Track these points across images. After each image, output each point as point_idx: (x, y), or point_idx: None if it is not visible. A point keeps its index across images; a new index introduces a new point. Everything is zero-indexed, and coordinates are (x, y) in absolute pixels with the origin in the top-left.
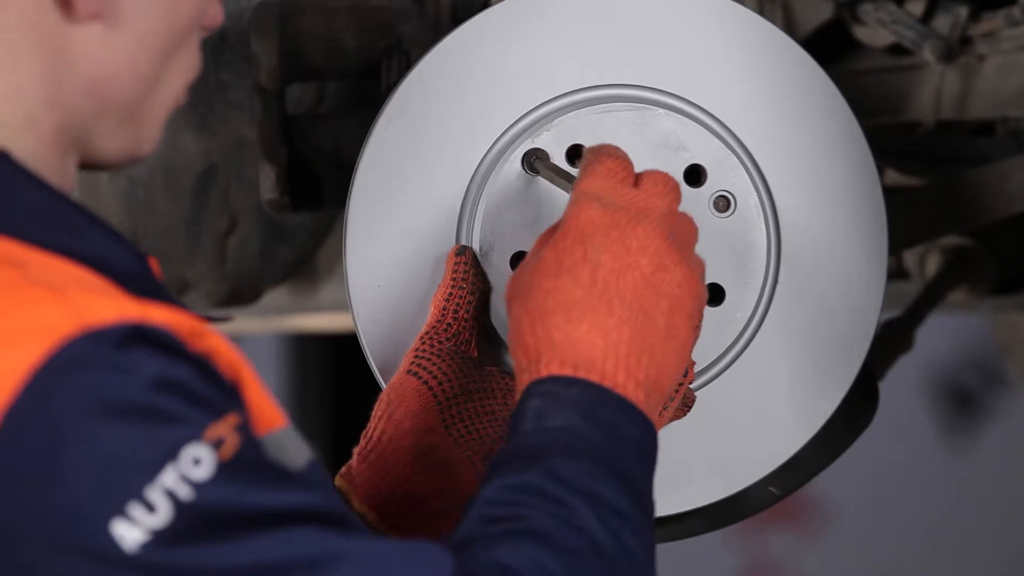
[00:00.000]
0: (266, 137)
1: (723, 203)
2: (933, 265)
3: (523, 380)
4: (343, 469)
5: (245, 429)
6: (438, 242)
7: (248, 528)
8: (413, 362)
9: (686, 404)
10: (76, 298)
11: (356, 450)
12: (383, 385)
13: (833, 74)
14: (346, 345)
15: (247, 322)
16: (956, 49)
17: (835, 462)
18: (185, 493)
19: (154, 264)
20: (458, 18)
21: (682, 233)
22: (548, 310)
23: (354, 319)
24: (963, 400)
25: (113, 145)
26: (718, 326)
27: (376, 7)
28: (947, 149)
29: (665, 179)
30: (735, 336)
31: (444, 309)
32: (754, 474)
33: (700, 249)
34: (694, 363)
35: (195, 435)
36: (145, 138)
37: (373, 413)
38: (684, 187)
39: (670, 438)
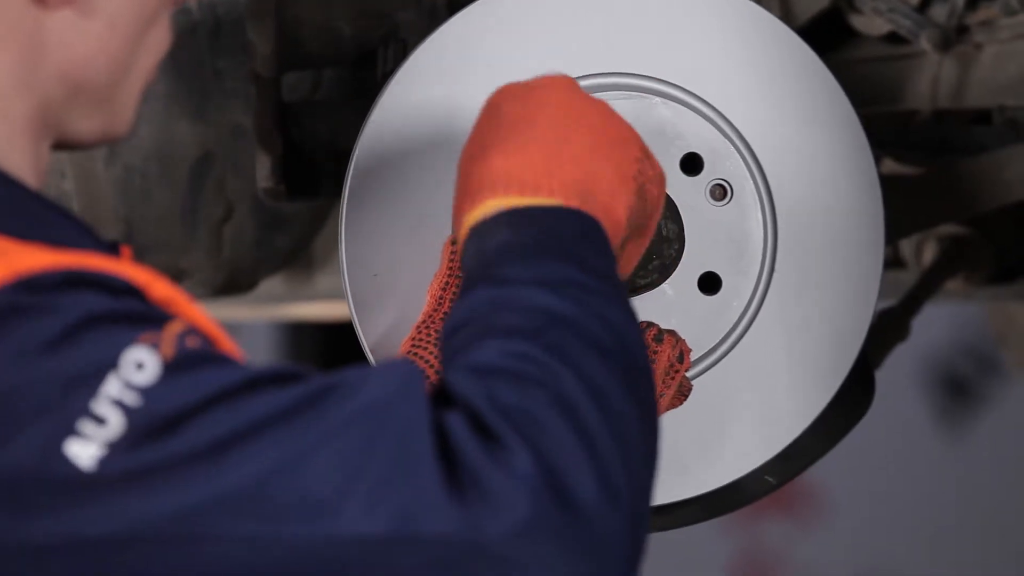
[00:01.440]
0: (262, 125)
1: (720, 191)
2: (930, 254)
3: (459, 234)
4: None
5: (189, 333)
6: (434, 231)
7: (207, 408)
8: (410, 351)
9: (682, 393)
10: (12, 253)
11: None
12: None
13: (830, 63)
14: (342, 334)
15: (243, 310)
16: (953, 38)
17: (831, 451)
18: (133, 399)
19: (126, 252)
20: (454, 6)
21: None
22: (465, 172)
23: (350, 308)
24: (959, 389)
25: (88, 127)
26: (714, 315)
27: None
28: (944, 138)
29: None
30: (731, 325)
31: (440, 298)
32: (750, 463)
33: (697, 238)
34: (690, 350)
35: (133, 339)
36: (120, 118)
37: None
38: (681, 176)
39: (666, 427)
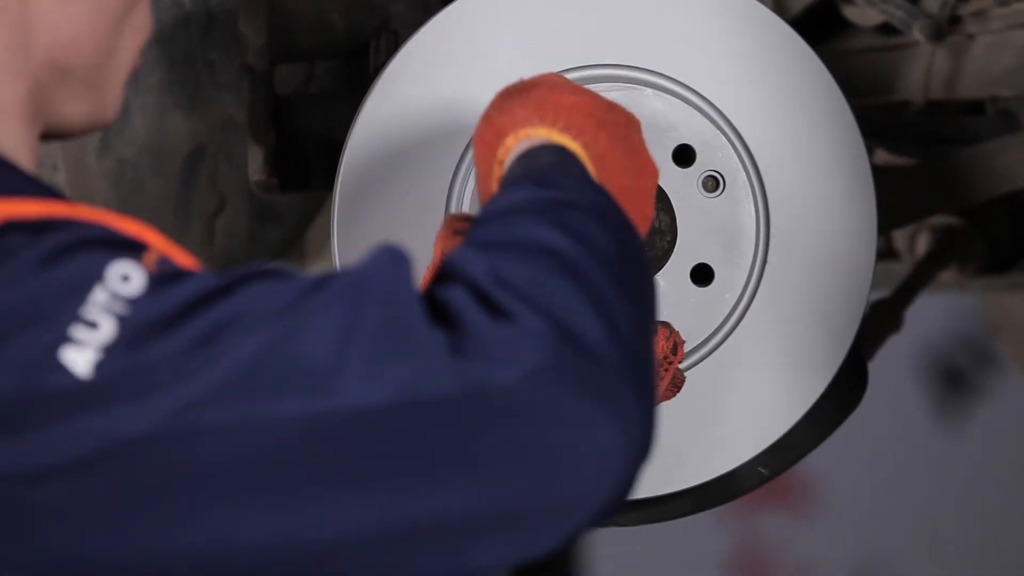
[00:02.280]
0: (254, 118)
1: (712, 183)
2: (923, 245)
3: (496, 167)
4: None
5: (167, 258)
6: (426, 223)
7: (195, 307)
8: None
9: (675, 384)
10: (5, 204)
11: None
12: None
13: (822, 54)
14: None
15: None
16: (945, 28)
17: (824, 442)
18: (121, 308)
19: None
20: None
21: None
22: (480, 127)
23: None
24: (953, 380)
25: (77, 112)
26: (707, 306)
27: None
28: (937, 129)
29: None
30: (724, 316)
31: None
32: (743, 454)
33: (690, 229)
34: (683, 341)
35: (116, 256)
36: (108, 103)
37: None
38: (673, 167)
39: (661, 419)
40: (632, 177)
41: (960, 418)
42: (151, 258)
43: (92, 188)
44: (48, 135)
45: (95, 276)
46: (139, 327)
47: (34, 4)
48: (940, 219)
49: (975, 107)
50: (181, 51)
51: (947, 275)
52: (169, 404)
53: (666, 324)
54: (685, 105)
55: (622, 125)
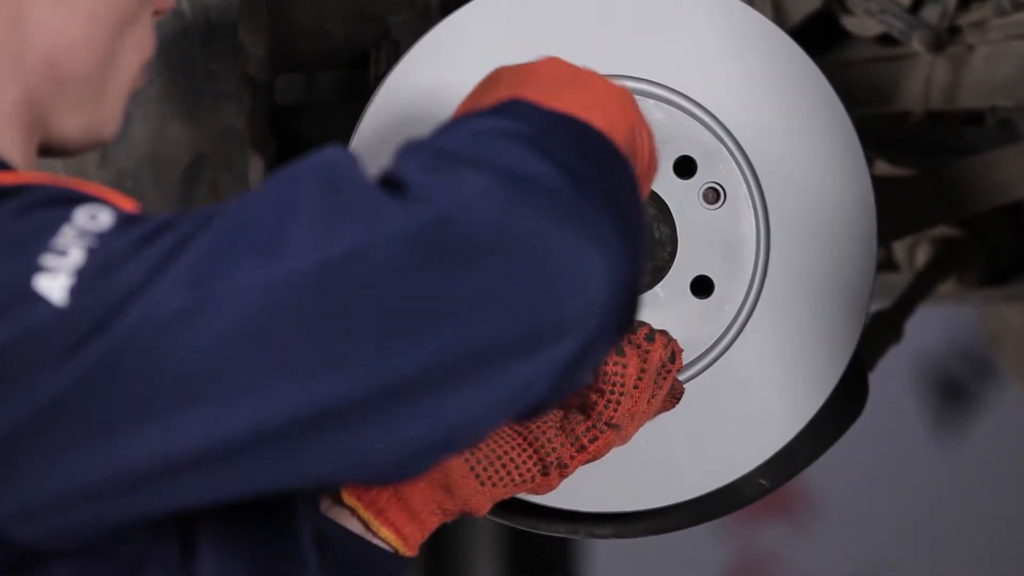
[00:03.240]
0: (255, 128)
1: (713, 195)
2: (922, 256)
3: None
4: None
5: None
6: None
7: (160, 231)
8: None
9: (675, 396)
10: None
11: None
12: None
13: (822, 64)
14: None
15: None
16: (945, 39)
17: (825, 454)
18: (91, 241)
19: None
20: (447, 8)
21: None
22: (462, 107)
23: None
24: (953, 391)
25: (75, 125)
26: (707, 318)
27: None
28: (936, 139)
29: None
30: (724, 328)
31: None
32: (743, 466)
33: (690, 241)
34: (682, 350)
35: (83, 199)
36: (107, 118)
37: None
38: (674, 179)
39: (659, 431)
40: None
41: (959, 430)
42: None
43: None
44: (47, 150)
45: (63, 218)
46: (108, 255)
47: (28, 8)
48: (940, 230)
49: (975, 118)
50: (181, 61)
51: (947, 286)
52: (137, 309)
53: (664, 332)
54: (686, 116)
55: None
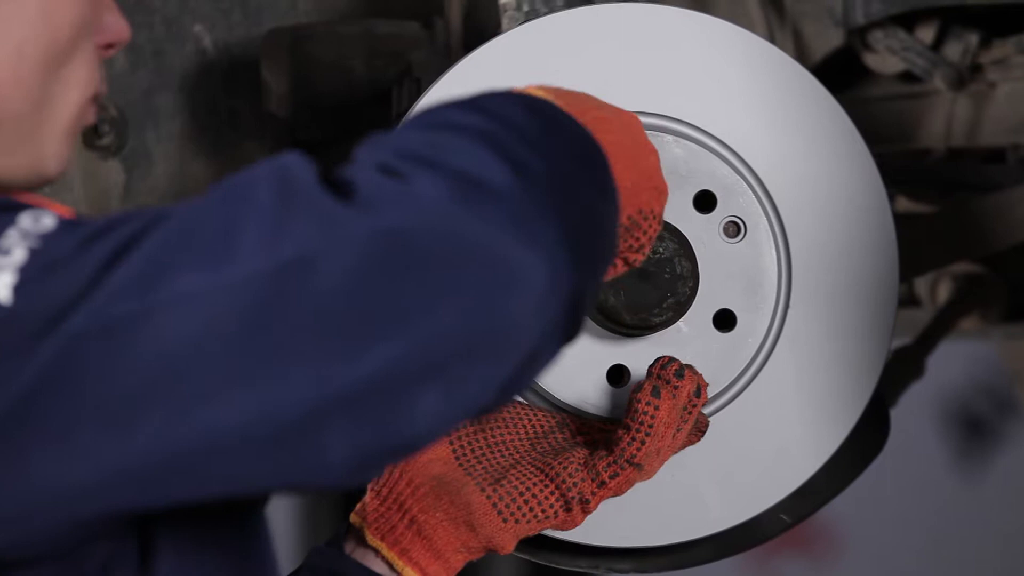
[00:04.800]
0: None
1: (733, 228)
2: (944, 292)
3: None
4: (357, 507)
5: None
6: None
7: (103, 232)
8: None
9: (699, 429)
10: None
11: (369, 486)
12: None
13: (844, 101)
14: None
15: None
16: (967, 76)
17: (846, 489)
18: (34, 242)
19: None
20: (468, 45)
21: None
22: None
23: None
24: (974, 427)
25: (13, 163)
26: (730, 351)
27: (386, 34)
28: (958, 176)
29: None
30: (747, 362)
31: None
32: (765, 501)
33: (711, 275)
34: (707, 384)
35: (25, 208)
36: (48, 154)
37: None
38: (694, 213)
39: (682, 465)
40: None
41: (980, 465)
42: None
43: None
44: None
45: (8, 222)
46: (52, 254)
47: None
48: (962, 267)
49: (996, 155)
50: (203, 98)
51: (968, 322)
52: (86, 310)
53: (689, 367)
54: (706, 151)
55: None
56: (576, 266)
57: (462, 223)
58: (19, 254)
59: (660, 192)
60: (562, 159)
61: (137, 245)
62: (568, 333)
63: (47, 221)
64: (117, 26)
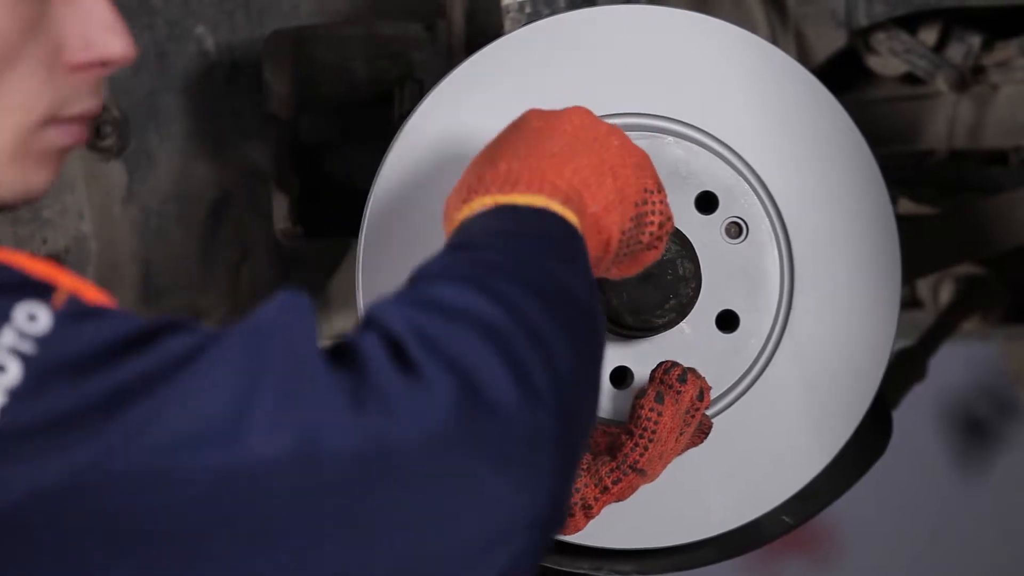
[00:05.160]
0: (279, 166)
1: (735, 229)
2: (946, 294)
3: (450, 226)
4: None
5: (76, 296)
6: None
7: (106, 356)
8: None
9: (703, 431)
10: None
11: None
12: None
13: (846, 103)
14: None
15: None
16: (969, 78)
17: (848, 491)
18: (29, 348)
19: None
20: (471, 47)
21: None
22: (470, 170)
23: None
24: (976, 429)
25: None
26: (733, 353)
27: (388, 36)
28: (960, 178)
29: None
30: (750, 363)
31: None
32: (768, 503)
33: (714, 276)
34: (710, 387)
35: (23, 296)
36: None
37: None
38: (696, 214)
39: (685, 466)
40: (616, 190)
41: (982, 467)
42: (60, 297)
43: (117, 236)
44: None
45: (2, 317)
46: (46, 369)
47: None
48: (964, 268)
49: (999, 157)
50: (206, 100)
51: (971, 324)
52: (74, 459)
53: (692, 370)
54: (707, 153)
55: (598, 158)
56: (559, 493)
57: (459, 454)
58: (13, 371)
59: (668, 231)
60: (573, 367)
61: (135, 398)
62: (540, 549)
63: (43, 320)
64: (106, 46)
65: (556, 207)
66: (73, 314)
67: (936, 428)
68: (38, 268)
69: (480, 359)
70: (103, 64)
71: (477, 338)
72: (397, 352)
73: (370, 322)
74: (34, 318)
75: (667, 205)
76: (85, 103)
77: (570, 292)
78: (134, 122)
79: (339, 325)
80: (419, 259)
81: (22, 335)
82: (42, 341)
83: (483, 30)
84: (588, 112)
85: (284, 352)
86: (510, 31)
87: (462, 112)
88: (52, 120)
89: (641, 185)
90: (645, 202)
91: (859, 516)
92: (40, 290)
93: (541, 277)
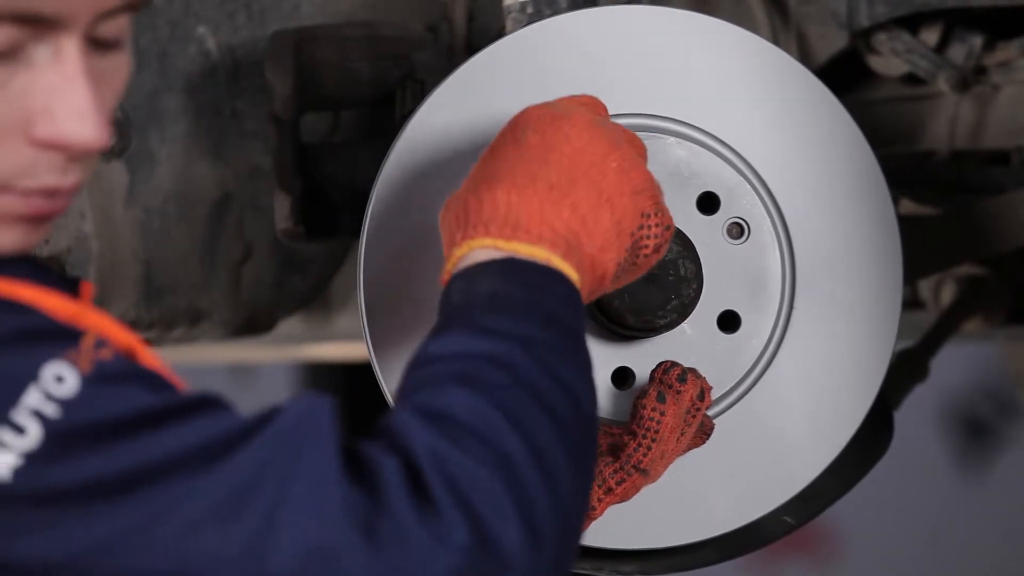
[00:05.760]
0: (280, 166)
1: (737, 230)
2: (948, 295)
3: (450, 255)
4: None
5: (101, 345)
6: None
7: (128, 431)
8: None
9: (704, 432)
10: None
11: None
12: None
13: (847, 103)
14: (361, 374)
15: (261, 351)
16: (971, 79)
17: (850, 492)
18: (52, 411)
19: (87, 289)
20: (472, 47)
21: (617, 129)
22: (471, 191)
23: (369, 350)
24: (977, 429)
25: None
26: (734, 353)
27: (390, 36)
28: (962, 178)
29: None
30: (751, 363)
31: None
32: (769, 503)
33: (715, 276)
34: (711, 387)
35: (54, 354)
36: None
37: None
38: (697, 215)
39: (687, 467)
40: (614, 221)
41: (984, 467)
42: (87, 350)
43: (119, 236)
44: None
45: (30, 376)
46: (66, 435)
47: None
48: (965, 269)
49: (1000, 157)
50: (208, 100)
51: (972, 325)
52: (83, 536)
53: (692, 370)
54: (709, 153)
55: (599, 181)
56: None
57: None
58: (33, 434)
59: (660, 255)
60: (575, 487)
61: (147, 487)
62: None
63: (70, 383)
64: (71, 131)
65: (557, 262)
66: (101, 378)
67: (937, 428)
68: (64, 310)
69: (494, 501)
70: (68, 148)
71: (493, 474)
72: (415, 481)
73: (391, 437)
74: (61, 380)
75: (666, 214)
76: (47, 178)
77: (578, 403)
78: (135, 122)
79: (340, 325)
80: (420, 259)
81: (48, 397)
82: (67, 405)
83: (485, 30)
84: (587, 118)
85: (310, 466)
86: (511, 31)
87: (464, 112)
88: (5, 189)
89: (639, 211)
90: (641, 227)
91: (860, 516)
92: (67, 337)
93: (553, 389)
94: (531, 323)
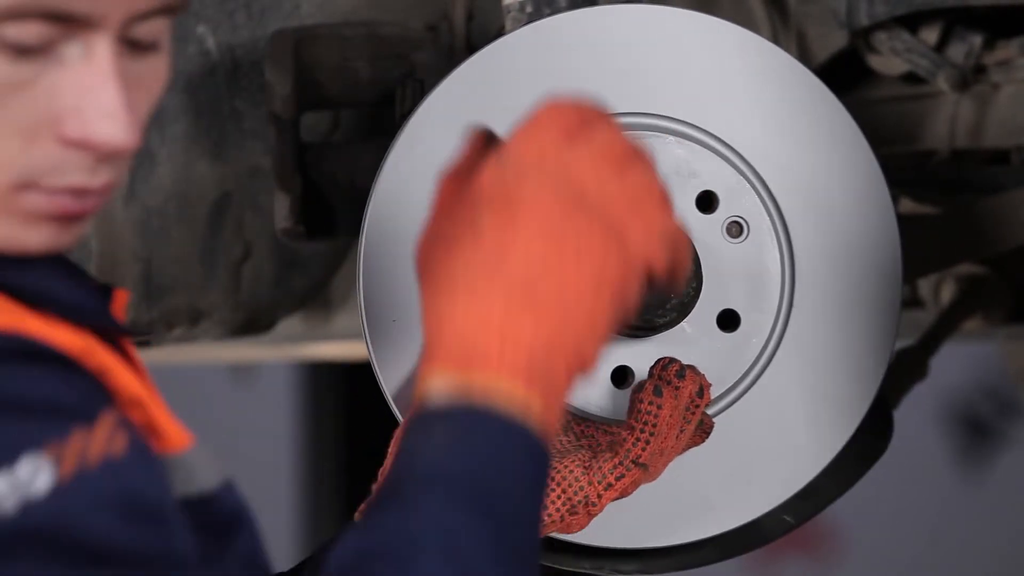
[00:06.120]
0: (280, 165)
1: (736, 229)
2: (948, 294)
3: (420, 375)
4: (361, 506)
5: (116, 431)
6: None
7: (68, 563)
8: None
9: (704, 431)
10: None
11: (374, 487)
12: (400, 419)
13: (847, 102)
14: (360, 373)
15: (261, 351)
16: (970, 78)
17: (849, 491)
18: (11, 506)
19: (121, 297)
20: (472, 47)
21: (605, 191)
22: (437, 289)
23: (369, 351)
24: (977, 429)
25: None
26: (734, 352)
27: (390, 35)
28: (962, 177)
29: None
30: (751, 362)
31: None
32: (769, 502)
33: (715, 275)
34: (710, 385)
35: (38, 444)
36: None
37: (389, 450)
38: (696, 213)
39: (687, 465)
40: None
41: (984, 467)
42: (73, 450)
43: (118, 236)
44: None
45: (6, 460)
46: (14, 535)
47: None
48: (965, 268)
49: (1000, 156)
50: (207, 99)
51: (972, 324)
52: None
53: (691, 368)
54: (708, 152)
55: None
56: None
57: None
58: None
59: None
60: None
61: None
62: None
63: (42, 482)
64: (100, 131)
65: (520, 397)
66: (69, 491)
67: (937, 428)
68: (72, 345)
69: None
70: (95, 148)
71: None
72: None
73: None
74: (34, 476)
75: (672, 225)
76: (74, 177)
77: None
78: None
79: (340, 324)
80: None
81: (15, 486)
82: (26, 506)
83: (484, 30)
84: (559, 173)
85: None
86: (511, 31)
87: (463, 112)
88: (32, 186)
89: (619, 275)
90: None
91: (860, 516)
92: (74, 416)
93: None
94: (462, 514)
